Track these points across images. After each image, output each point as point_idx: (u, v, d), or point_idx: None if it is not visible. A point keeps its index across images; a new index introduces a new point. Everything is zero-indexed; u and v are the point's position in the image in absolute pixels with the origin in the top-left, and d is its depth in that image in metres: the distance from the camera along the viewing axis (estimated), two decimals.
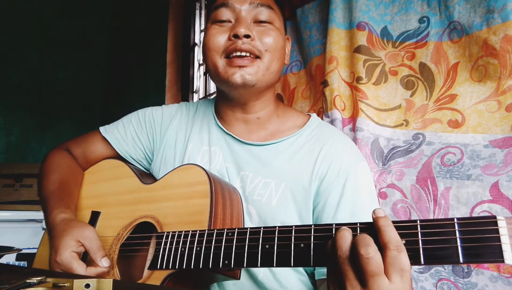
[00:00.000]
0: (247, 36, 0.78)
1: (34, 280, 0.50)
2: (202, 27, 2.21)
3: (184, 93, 2.21)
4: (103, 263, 0.72)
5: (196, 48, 2.22)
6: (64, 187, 0.90)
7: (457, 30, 0.93)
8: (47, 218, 0.83)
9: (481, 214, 0.81)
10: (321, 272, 0.75)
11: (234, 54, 0.78)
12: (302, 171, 0.81)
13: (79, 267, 0.70)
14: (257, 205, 0.80)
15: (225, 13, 0.81)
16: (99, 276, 0.74)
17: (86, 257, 0.74)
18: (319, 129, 0.87)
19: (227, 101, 0.87)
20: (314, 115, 0.92)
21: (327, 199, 0.77)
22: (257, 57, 0.80)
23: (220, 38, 0.80)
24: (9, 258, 1.74)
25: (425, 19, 1.00)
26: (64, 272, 0.71)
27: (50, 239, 0.77)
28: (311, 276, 0.82)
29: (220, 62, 0.80)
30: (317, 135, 0.86)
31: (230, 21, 0.81)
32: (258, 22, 0.81)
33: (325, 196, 0.77)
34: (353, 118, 1.08)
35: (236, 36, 0.78)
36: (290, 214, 0.79)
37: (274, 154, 0.84)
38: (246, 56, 0.78)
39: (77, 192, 0.94)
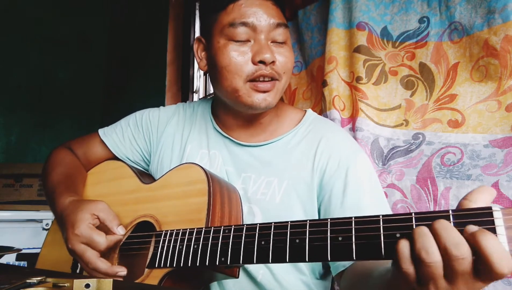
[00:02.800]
0: (272, 62, 0.77)
1: (34, 280, 0.50)
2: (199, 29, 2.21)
3: (184, 93, 2.22)
4: (119, 231, 0.73)
5: None
6: (70, 179, 0.92)
7: (457, 30, 0.93)
8: (55, 204, 0.83)
9: None
10: (338, 265, 0.74)
11: (258, 79, 0.78)
12: (302, 166, 0.81)
13: (99, 236, 0.71)
14: (261, 204, 0.81)
15: (245, 32, 0.77)
16: (115, 247, 0.75)
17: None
18: (315, 124, 0.88)
19: (230, 112, 0.87)
20: (309, 110, 0.92)
21: (331, 191, 0.77)
22: (276, 79, 0.79)
23: (242, 61, 0.77)
24: (9, 258, 1.74)
25: (425, 19, 1.00)
26: (64, 272, 0.71)
27: (62, 220, 0.77)
28: (321, 277, 0.82)
29: (243, 87, 0.78)
30: (314, 129, 0.86)
31: (249, 40, 0.78)
32: (275, 43, 0.80)
33: (329, 187, 0.78)
34: (353, 118, 1.09)
35: (263, 62, 0.76)
36: (295, 210, 0.79)
37: (273, 153, 0.84)
38: (267, 80, 0.78)
39: (82, 186, 0.95)
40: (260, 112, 0.84)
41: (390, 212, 0.79)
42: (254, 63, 0.77)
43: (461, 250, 0.41)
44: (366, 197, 0.76)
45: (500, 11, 0.84)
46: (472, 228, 0.42)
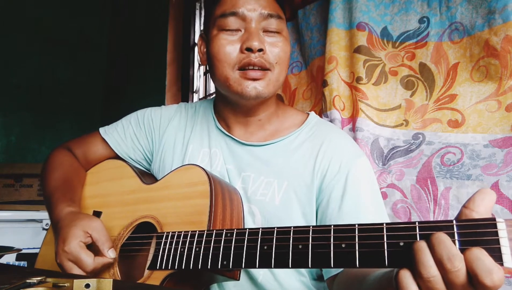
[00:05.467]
0: (260, 50, 0.77)
1: (34, 280, 0.50)
2: (202, 27, 2.21)
3: (184, 93, 2.22)
4: (110, 254, 0.72)
5: (196, 48, 2.22)
6: (67, 184, 0.91)
7: (458, 30, 0.93)
8: (52, 213, 0.83)
9: None
10: (331, 269, 0.74)
11: (247, 67, 0.78)
12: (303, 168, 0.81)
13: (87, 257, 0.70)
14: (260, 204, 0.80)
15: (234, 22, 0.79)
16: (103, 269, 0.74)
17: (91, 249, 0.74)
18: (317, 127, 0.88)
19: (229, 105, 0.87)
20: (312, 113, 0.92)
21: (330, 195, 0.77)
22: (268, 69, 0.79)
23: (231, 49, 0.78)
24: (9, 258, 1.74)
25: (425, 19, 1.00)
26: (64, 272, 0.71)
27: (56, 231, 0.77)
28: (318, 278, 0.82)
29: (232, 75, 0.78)
30: (316, 132, 0.86)
31: (239, 30, 0.79)
32: (267, 32, 0.80)
33: (328, 191, 0.78)
34: (353, 118, 1.09)
35: (250, 50, 0.77)
36: (293, 212, 0.79)
37: (274, 154, 0.84)
38: (258, 69, 0.78)
39: (80, 189, 0.95)
40: (254, 104, 0.83)
41: (387, 219, 0.79)
42: (242, 51, 0.78)
43: (455, 263, 0.41)
44: (364, 203, 0.76)
45: (500, 12, 0.84)
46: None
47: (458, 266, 0.41)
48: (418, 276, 0.43)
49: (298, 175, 0.80)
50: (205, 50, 0.88)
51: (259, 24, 0.79)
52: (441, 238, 0.43)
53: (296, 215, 0.79)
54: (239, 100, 0.82)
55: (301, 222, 0.78)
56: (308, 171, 0.80)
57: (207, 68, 0.93)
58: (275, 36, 0.81)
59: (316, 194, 0.79)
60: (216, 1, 0.82)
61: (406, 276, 0.44)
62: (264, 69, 0.78)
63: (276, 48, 0.80)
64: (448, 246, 0.42)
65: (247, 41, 0.77)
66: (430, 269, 0.42)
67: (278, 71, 0.81)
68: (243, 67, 0.77)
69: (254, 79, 0.78)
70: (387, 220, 0.78)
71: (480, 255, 0.41)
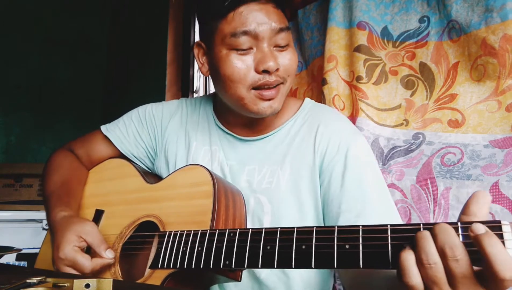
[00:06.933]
0: (276, 70, 0.77)
1: (34, 280, 0.50)
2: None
3: (184, 93, 2.22)
4: (108, 255, 0.72)
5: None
6: (65, 187, 0.91)
7: (455, 29, 0.94)
8: (48, 217, 0.83)
9: None
10: None
11: (263, 87, 0.77)
12: (304, 151, 0.82)
13: (84, 259, 0.70)
14: (267, 192, 0.81)
15: (246, 41, 0.76)
16: (103, 269, 0.74)
17: (89, 252, 0.75)
18: (313, 110, 0.89)
19: (232, 111, 0.86)
20: (307, 99, 0.93)
21: (331, 175, 0.78)
22: (281, 83, 0.79)
23: (245, 70, 0.76)
24: (9, 258, 1.74)
25: (425, 18, 1.00)
26: (64, 272, 0.71)
27: (52, 237, 0.78)
28: (324, 271, 0.83)
29: (248, 95, 0.77)
30: (313, 115, 0.87)
31: (251, 48, 0.77)
32: (278, 47, 0.79)
33: (329, 171, 0.78)
34: (353, 117, 1.09)
35: (266, 72, 0.76)
36: (302, 194, 0.79)
37: (275, 143, 0.85)
38: (272, 87, 0.78)
39: (79, 191, 0.94)
40: None
41: (389, 195, 0.78)
42: (257, 72, 0.76)
43: (456, 251, 0.42)
44: (366, 179, 0.76)
45: (498, 10, 0.84)
46: (478, 228, 0.41)
47: (459, 255, 0.42)
48: (419, 263, 0.44)
49: (300, 158, 0.81)
50: (205, 59, 0.85)
51: (271, 41, 0.77)
52: (444, 227, 0.43)
53: (305, 196, 0.79)
54: (251, 116, 0.82)
55: (309, 203, 0.79)
56: (309, 153, 0.81)
57: (210, 79, 0.91)
58: (285, 49, 0.80)
59: (318, 174, 0.80)
60: (221, 16, 0.77)
61: (408, 259, 0.45)
62: (278, 84, 0.78)
63: (287, 62, 0.79)
64: (451, 235, 0.43)
65: (263, 62, 0.75)
66: (432, 256, 0.43)
67: (289, 82, 0.82)
68: (259, 87, 0.77)
69: (270, 99, 0.78)
70: (388, 194, 0.78)
71: (498, 246, 0.40)
